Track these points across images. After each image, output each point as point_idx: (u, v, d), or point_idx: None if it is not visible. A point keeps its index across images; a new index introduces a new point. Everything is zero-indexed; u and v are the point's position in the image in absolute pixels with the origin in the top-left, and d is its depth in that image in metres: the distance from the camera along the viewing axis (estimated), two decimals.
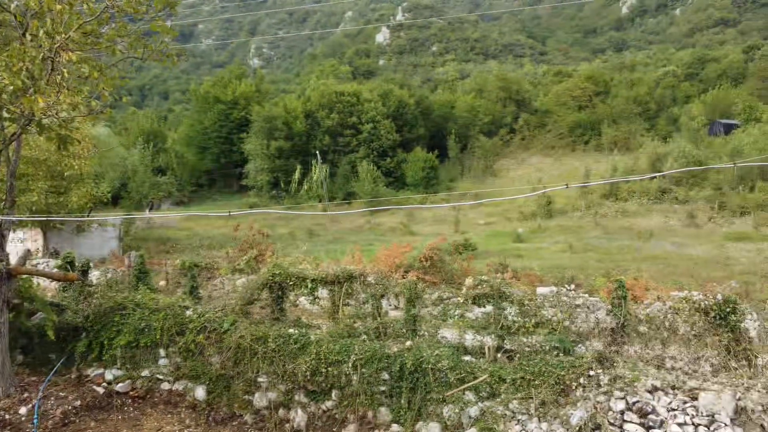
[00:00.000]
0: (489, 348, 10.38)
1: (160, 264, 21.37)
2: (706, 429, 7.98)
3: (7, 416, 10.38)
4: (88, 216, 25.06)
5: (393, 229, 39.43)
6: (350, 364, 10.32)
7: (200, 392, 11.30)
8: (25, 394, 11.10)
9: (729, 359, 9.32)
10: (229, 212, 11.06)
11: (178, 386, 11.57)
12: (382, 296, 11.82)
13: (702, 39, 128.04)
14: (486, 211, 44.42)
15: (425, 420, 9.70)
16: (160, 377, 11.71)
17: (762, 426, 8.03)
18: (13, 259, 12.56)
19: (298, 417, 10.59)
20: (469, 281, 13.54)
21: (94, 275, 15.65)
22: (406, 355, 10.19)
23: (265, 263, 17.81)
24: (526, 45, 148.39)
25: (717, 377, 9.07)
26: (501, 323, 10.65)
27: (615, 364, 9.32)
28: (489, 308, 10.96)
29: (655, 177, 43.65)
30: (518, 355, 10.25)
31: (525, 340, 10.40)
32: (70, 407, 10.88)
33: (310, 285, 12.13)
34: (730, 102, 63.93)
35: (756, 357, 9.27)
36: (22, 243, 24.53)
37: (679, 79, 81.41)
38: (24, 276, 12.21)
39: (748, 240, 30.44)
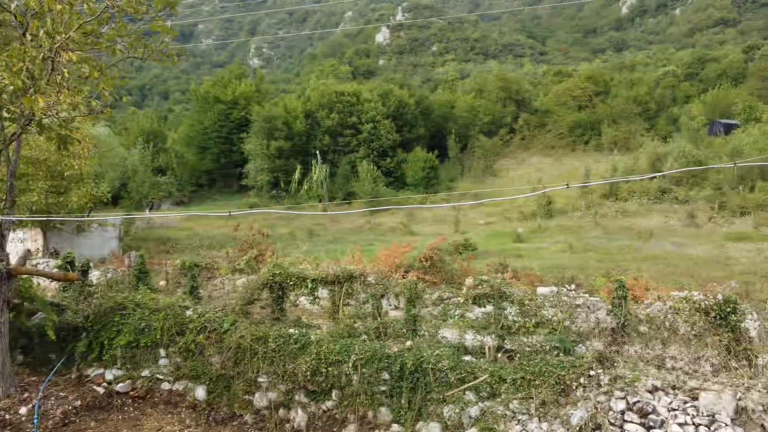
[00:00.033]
0: (489, 348, 10.38)
1: (160, 264, 21.36)
2: (706, 429, 7.98)
3: (7, 416, 10.38)
4: (88, 216, 25.05)
5: (393, 229, 39.42)
6: (350, 364, 10.32)
7: (200, 392, 11.30)
8: (26, 394, 11.10)
9: (729, 359, 9.32)
10: (230, 212, 11.06)
11: (179, 386, 11.57)
12: (383, 296, 11.82)
13: (702, 39, 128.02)
14: (486, 211, 44.41)
15: (425, 420, 9.70)
16: (161, 377, 11.71)
17: (763, 426, 8.03)
18: (13, 259, 12.56)
19: (299, 417, 10.59)
20: (469, 281, 13.54)
21: (94, 275, 15.65)
22: (406, 355, 10.19)
23: (265, 263, 17.80)
24: (526, 45, 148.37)
25: (717, 377, 9.07)
26: (501, 323, 10.65)
27: (615, 364, 9.32)
28: (489, 308, 10.96)
29: (655, 177, 43.65)
30: (518, 355, 10.25)
31: (525, 340, 10.40)
32: (70, 407, 10.88)
33: (310, 285, 12.13)
34: (730, 102, 63.91)
35: (756, 357, 9.27)
36: (22, 243, 24.53)
37: (679, 79, 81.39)
38: (24, 276, 12.21)
39: (748, 240, 30.43)
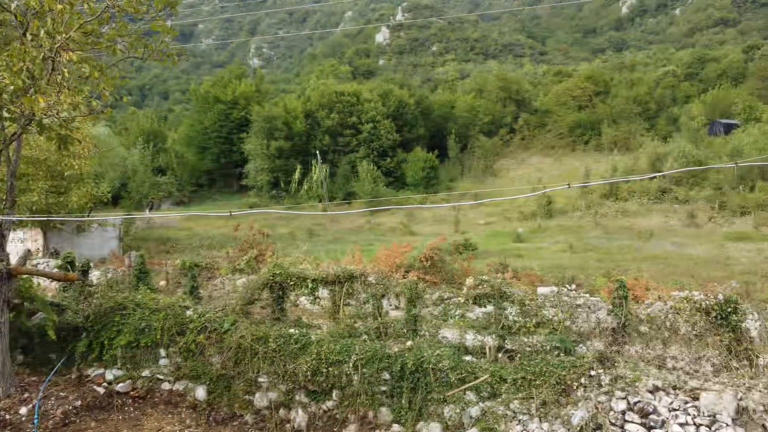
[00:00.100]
0: (490, 348, 10.37)
1: (160, 264, 21.36)
2: (707, 429, 7.98)
3: (7, 416, 10.37)
4: (88, 216, 25.04)
5: (393, 229, 39.43)
6: (351, 364, 10.31)
7: (201, 392, 11.29)
8: (26, 394, 11.09)
9: (730, 359, 9.31)
10: (230, 212, 11.06)
11: (179, 386, 11.56)
12: (383, 296, 11.81)
13: (702, 39, 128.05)
14: (486, 211, 44.42)
15: (426, 420, 9.70)
16: (161, 377, 11.70)
17: (764, 426, 8.02)
18: (14, 259, 12.55)
19: (299, 417, 10.58)
20: (469, 281, 13.54)
21: (95, 275, 15.65)
22: (406, 355, 10.18)
23: (266, 263, 17.80)
24: (526, 45, 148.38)
25: (718, 377, 9.06)
26: (502, 323, 10.64)
27: (616, 364, 9.31)
28: (490, 308, 10.95)
29: (655, 177, 43.65)
30: (519, 355, 10.24)
31: (526, 340, 10.39)
32: (70, 407, 10.87)
33: (310, 285, 12.12)
34: (730, 102, 63.92)
35: (757, 357, 9.26)
36: (22, 243, 24.52)
37: (679, 79, 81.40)
38: (24, 276, 12.20)
39: (749, 240, 30.44)
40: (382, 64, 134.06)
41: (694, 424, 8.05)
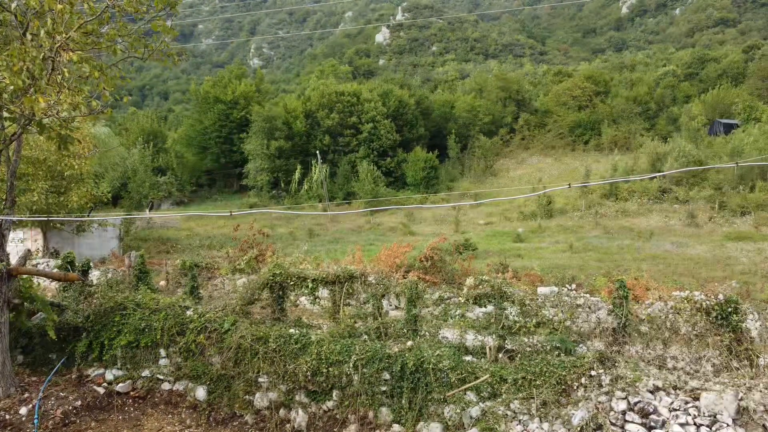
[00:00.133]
0: (490, 348, 10.37)
1: (160, 264, 21.37)
2: (708, 429, 7.97)
3: (7, 416, 10.37)
4: (88, 216, 25.04)
5: (393, 229, 39.43)
6: (351, 364, 10.31)
7: (201, 392, 11.29)
8: (26, 395, 11.09)
9: (731, 359, 9.30)
10: (230, 212, 11.05)
11: (179, 386, 11.56)
12: (383, 296, 11.80)
13: (702, 39, 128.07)
14: (486, 211, 44.42)
15: (426, 420, 9.69)
16: (161, 377, 11.70)
17: (764, 426, 8.02)
18: (13, 259, 12.55)
19: (299, 417, 10.58)
20: (469, 281, 13.52)
21: (95, 275, 15.63)
22: (407, 355, 10.18)
23: (266, 263, 17.80)
24: (526, 45, 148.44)
25: (719, 377, 9.06)
26: (502, 323, 10.63)
27: (616, 364, 9.30)
28: (490, 308, 10.94)
29: (655, 177, 43.65)
30: (519, 355, 10.24)
31: (526, 340, 10.38)
32: (70, 407, 10.87)
33: (310, 285, 12.11)
34: (730, 102, 63.91)
35: (758, 357, 9.26)
36: (22, 243, 24.53)
37: (679, 78, 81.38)
38: (24, 276, 12.20)
39: (749, 240, 30.44)
40: (382, 64, 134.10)
41: (695, 424, 8.05)
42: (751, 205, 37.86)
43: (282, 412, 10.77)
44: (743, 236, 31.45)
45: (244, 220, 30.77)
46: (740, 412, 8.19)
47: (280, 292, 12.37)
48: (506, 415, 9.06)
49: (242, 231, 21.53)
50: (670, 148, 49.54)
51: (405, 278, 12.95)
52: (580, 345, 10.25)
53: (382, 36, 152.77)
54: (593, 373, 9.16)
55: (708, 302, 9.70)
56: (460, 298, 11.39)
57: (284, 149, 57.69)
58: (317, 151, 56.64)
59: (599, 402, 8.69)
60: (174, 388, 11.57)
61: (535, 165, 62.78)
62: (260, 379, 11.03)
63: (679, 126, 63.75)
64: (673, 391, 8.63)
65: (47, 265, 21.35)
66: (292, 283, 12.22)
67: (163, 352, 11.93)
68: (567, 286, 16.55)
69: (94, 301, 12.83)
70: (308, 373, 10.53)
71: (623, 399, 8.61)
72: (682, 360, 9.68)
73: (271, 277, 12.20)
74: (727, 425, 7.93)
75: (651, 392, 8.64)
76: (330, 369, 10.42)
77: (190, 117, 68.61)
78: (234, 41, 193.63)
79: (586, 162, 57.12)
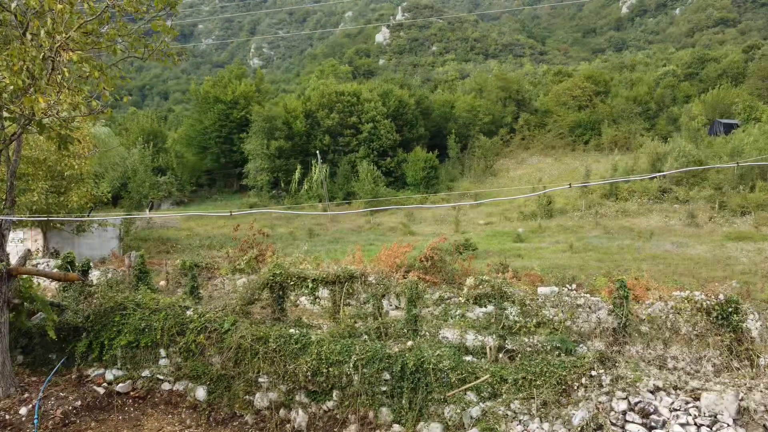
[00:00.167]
0: (490, 348, 10.36)
1: (160, 264, 21.37)
2: (708, 429, 7.97)
3: (7, 416, 10.36)
4: (88, 216, 25.03)
5: (393, 229, 39.42)
6: (351, 365, 10.30)
7: (201, 392, 11.28)
8: (26, 395, 11.08)
9: (731, 359, 9.30)
10: (230, 212, 11.04)
11: (179, 386, 11.55)
12: (383, 296, 11.80)
13: (702, 39, 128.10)
14: (486, 211, 44.42)
15: (426, 420, 9.68)
16: (161, 377, 11.69)
17: (765, 426, 8.01)
18: (13, 259, 12.54)
19: (299, 417, 10.57)
20: (470, 281, 13.52)
21: (95, 275, 15.63)
22: (407, 355, 10.17)
23: (266, 263, 17.79)
24: (526, 45, 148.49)
25: (719, 377, 9.05)
26: (502, 323, 10.62)
27: (617, 364, 9.30)
28: (490, 308, 10.93)
29: (655, 177, 43.65)
30: (520, 355, 10.23)
31: (526, 340, 10.38)
32: (70, 407, 10.86)
33: (310, 285, 12.11)
34: (730, 102, 63.90)
35: (758, 357, 9.25)
36: (22, 243, 24.53)
37: (679, 78, 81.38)
38: (24, 276, 12.19)
39: (749, 240, 30.44)
40: (382, 64, 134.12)
41: (695, 424, 8.04)
42: (751, 205, 37.85)
43: (282, 412, 10.77)
44: (743, 236, 31.44)
45: (244, 220, 30.78)
46: (741, 412, 8.19)
47: (280, 292, 12.36)
48: (506, 415, 9.05)
49: (242, 231, 21.52)
50: (670, 148, 49.53)
51: (405, 278, 12.94)
52: (581, 345, 10.24)
53: (382, 36, 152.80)
54: (594, 373, 9.15)
55: (708, 302, 9.70)
56: (460, 298, 11.38)
57: (284, 149, 57.69)
58: (317, 151, 56.65)
59: (600, 402, 8.68)
60: (174, 388, 11.57)
61: (535, 165, 62.78)
62: (260, 379, 11.03)
63: (679, 126, 63.75)
64: (673, 391, 8.62)
65: (47, 265, 21.34)
66: (292, 283, 12.22)
67: (163, 352, 11.92)
68: (567, 286, 16.56)
69: (94, 301, 12.83)
70: (308, 373, 10.52)
71: (624, 399, 8.61)
72: (683, 360, 9.67)
73: (271, 277, 12.20)
74: (728, 425, 7.93)
75: (651, 392, 8.63)
76: (330, 369, 10.41)
77: (190, 117, 68.61)
78: (234, 41, 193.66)
79: (586, 162, 57.12)
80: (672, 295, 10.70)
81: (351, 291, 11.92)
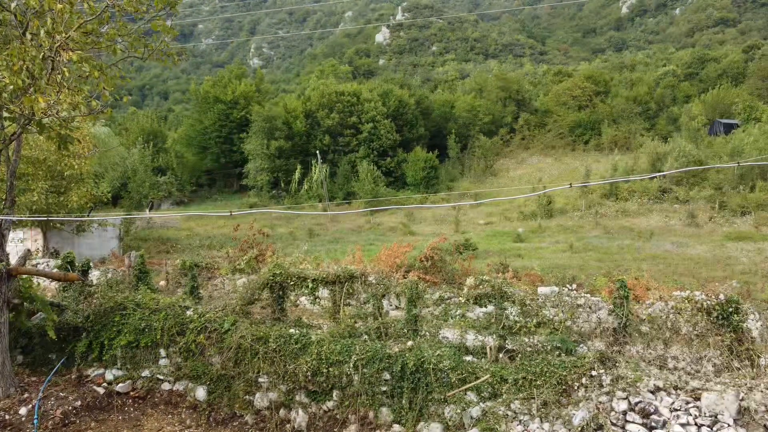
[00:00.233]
0: (490, 348, 10.35)
1: (160, 264, 21.36)
2: (709, 429, 7.96)
3: (7, 416, 10.35)
4: (88, 216, 25.02)
5: (393, 228, 39.42)
6: (351, 365, 10.30)
7: (201, 392, 11.27)
8: (25, 395, 11.08)
9: (732, 359, 9.29)
10: (230, 212, 11.04)
11: (179, 386, 11.55)
12: (383, 296, 11.79)
13: (702, 39, 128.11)
14: (486, 211, 44.41)
15: (427, 420, 9.68)
16: (161, 377, 11.68)
17: (765, 426, 8.00)
18: (13, 259, 12.54)
19: (299, 417, 10.57)
20: (470, 281, 13.52)
21: (95, 275, 15.62)
22: (407, 355, 10.16)
23: (266, 263, 17.78)
24: (526, 45, 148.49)
25: (720, 377, 9.05)
26: (502, 323, 10.62)
27: (617, 364, 9.29)
28: (490, 308, 10.93)
29: (655, 177, 43.64)
30: (520, 355, 10.22)
31: (527, 340, 10.37)
32: (70, 407, 10.85)
33: (310, 285, 12.10)
34: (730, 102, 63.89)
35: (759, 357, 9.24)
36: (22, 243, 24.51)
37: (679, 78, 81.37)
38: (24, 276, 12.18)
39: (749, 240, 30.43)
40: (382, 64, 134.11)
41: (696, 424, 8.04)
42: (752, 205, 37.85)
43: (282, 412, 10.76)
44: (743, 236, 31.44)
45: (244, 220, 30.78)
46: (741, 412, 8.18)
47: (280, 292, 12.36)
48: (507, 415, 9.05)
49: (242, 231, 21.51)
50: (670, 148, 49.52)
51: (405, 278, 12.93)
52: (581, 345, 10.23)
53: (382, 36, 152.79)
54: (594, 373, 9.14)
55: (709, 302, 9.70)
56: (460, 298, 11.37)
57: (284, 149, 57.68)
58: (317, 151, 56.65)
59: (600, 402, 8.67)
60: (174, 388, 11.56)
61: (535, 165, 62.77)
62: (260, 379, 11.02)
63: (679, 126, 63.74)
64: (674, 392, 8.62)
65: (47, 265, 21.34)
66: (292, 283, 12.21)
67: (163, 352, 11.91)
68: (567, 286, 16.55)
69: (94, 301, 12.82)
70: (308, 373, 10.51)
71: (624, 399, 8.60)
72: (683, 360, 9.67)
73: (271, 277, 12.19)
74: (728, 425, 7.92)
75: (652, 392, 8.63)
76: (330, 369, 10.40)
77: (190, 117, 68.60)
78: (234, 41, 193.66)
79: (586, 162, 57.11)
80: (672, 295, 10.70)
81: (351, 291, 11.91)
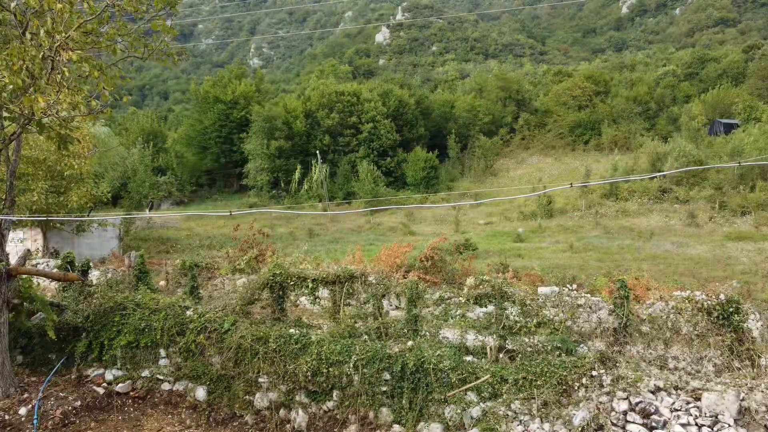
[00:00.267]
0: (491, 348, 10.34)
1: (160, 264, 21.35)
2: (709, 429, 7.95)
3: (6, 417, 10.35)
4: (88, 216, 25.01)
5: (393, 228, 39.41)
6: (351, 365, 10.29)
7: (201, 393, 11.26)
8: (25, 395, 11.07)
9: (732, 359, 9.28)
10: (230, 212, 11.03)
11: (179, 386, 11.54)
12: (383, 296, 11.78)
13: (702, 39, 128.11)
14: (486, 211, 44.40)
15: (427, 420, 9.67)
16: (161, 377, 11.67)
17: (766, 426, 8.00)
18: (13, 259, 12.53)
19: (299, 417, 10.56)
20: (470, 281, 13.51)
21: (94, 275, 15.61)
22: (407, 355, 10.16)
23: (266, 263, 17.77)
24: (526, 45, 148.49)
25: (720, 377, 9.04)
26: (503, 323, 10.61)
27: (617, 364, 9.28)
28: (490, 308, 10.92)
29: (655, 177, 43.64)
30: (520, 356, 10.21)
31: (527, 340, 10.36)
32: (70, 408, 10.85)
33: (310, 285, 12.09)
34: (730, 102, 63.88)
35: (759, 357, 9.24)
36: (22, 243, 24.51)
37: (679, 78, 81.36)
38: (24, 276, 12.17)
39: (749, 239, 30.42)
40: (382, 64, 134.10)
41: (696, 424, 8.03)
42: (752, 205, 37.84)
43: (282, 412, 10.75)
44: (744, 236, 31.43)
45: (244, 220, 30.77)
46: (742, 412, 8.17)
47: (280, 292, 12.35)
48: (507, 415, 9.04)
49: (242, 231, 21.50)
50: (670, 148, 49.50)
51: (405, 278, 12.92)
52: (581, 345, 10.23)
53: (382, 36, 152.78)
54: (594, 373, 9.14)
55: (709, 302, 9.69)
56: (460, 298, 11.37)
57: (284, 149, 57.67)
58: (317, 151, 56.64)
59: (600, 402, 8.67)
60: (174, 389, 11.55)
61: (535, 165, 62.76)
62: (260, 380, 11.01)
63: (679, 126, 63.73)
64: (674, 392, 8.61)
65: (47, 265, 21.32)
66: (292, 283, 12.20)
67: (163, 352, 11.91)
68: (568, 286, 16.53)
69: (94, 301, 12.81)
70: (308, 373, 10.51)
71: (624, 399, 8.60)
72: (684, 360, 9.66)
73: (271, 277, 12.18)
74: (729, 426, 7.91)
75: (652, 392, 8.62)
76: (330, 369, 10.40)
77: (190, 117, 68.57)
78: (234, 41, 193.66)
79: (586, 162, 57.10)
80: (672, 295, 10.69)
81: (351, 291, 11.90)
